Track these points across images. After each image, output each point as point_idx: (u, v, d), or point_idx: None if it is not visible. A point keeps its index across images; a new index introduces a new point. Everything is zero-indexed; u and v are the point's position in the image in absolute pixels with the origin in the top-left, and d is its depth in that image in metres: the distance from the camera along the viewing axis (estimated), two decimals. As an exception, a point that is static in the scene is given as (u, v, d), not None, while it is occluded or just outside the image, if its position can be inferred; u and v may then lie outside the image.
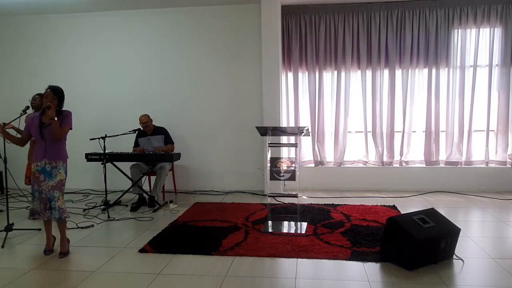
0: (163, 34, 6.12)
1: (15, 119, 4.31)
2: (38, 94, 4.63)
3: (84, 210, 5.09)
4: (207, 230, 4.20)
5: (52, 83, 6.06)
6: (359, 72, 5.98)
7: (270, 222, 4.37)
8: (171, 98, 6.16)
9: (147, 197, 5.32)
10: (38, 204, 3.54)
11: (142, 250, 3.64)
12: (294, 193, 4.41)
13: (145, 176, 5.51)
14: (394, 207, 4.96)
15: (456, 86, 5.81)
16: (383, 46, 5.85)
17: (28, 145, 4.60)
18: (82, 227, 4.35)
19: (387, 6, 5.79)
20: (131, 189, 5.28)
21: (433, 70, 5.83)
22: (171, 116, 6.08)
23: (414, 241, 3.03)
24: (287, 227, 4.25)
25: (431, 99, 5.86)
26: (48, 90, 3.55)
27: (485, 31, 5.72)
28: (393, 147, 6.02)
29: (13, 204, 5.30)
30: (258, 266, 3.27)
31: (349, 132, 6.09)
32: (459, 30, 5.76)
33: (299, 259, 3.39)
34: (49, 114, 3.44)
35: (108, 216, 4.76)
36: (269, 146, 4.49)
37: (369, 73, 5.94)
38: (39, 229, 4.29)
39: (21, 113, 4.35)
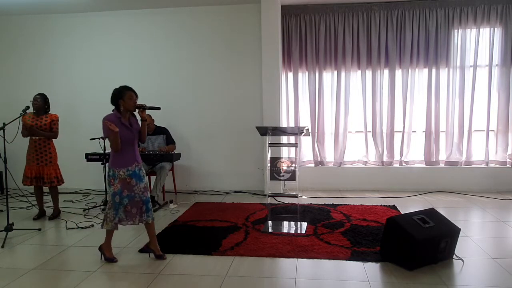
0: (163, 34, 6.11)
1: (14, 119, 4.31)
2: (39, 94, 4.62)
3: (84, 210, 5.08)
4: (207, 230, 4.20)
5: (52, 83, 6.20)
6: (359, 72, 5.97)
7: (270, 222, 4.37)
8: (171, 98, 6.14)
9: (147, 197, 5.32)
10: (124, 211, 3.32)
11: (142, 250, 3.64)
12: (294, 193, 4.41)
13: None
14: (394, 207, 4.96)
15: (456, 86, 5.80)
16: (383, 46, 5.84)
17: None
18: (82, 227, 4.35)
19: (387, 6, 5.79)
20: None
21: (433, 70, 5.82)
22: (171, 116, 6.07)
23: (414, 241, 3.02)
24: (287, 227, 4.25)
25: (431, 99, 5.86)
26: (130, 91, 3.34)
27: (485, 31, 5.72)
28: (393, 147, 6.02)
29: (13, 204, 5.30)
30: (258, 266, 3.27)
31: (349, 132, 6.09)
32: (459, 30, 5.76)
33: (299, 259, 3.39)
34: (143, 114, 3.34)
35: (108, 216, 4.76)
36: (269, 146, 4.49)
37: (369, 73, 5.93)
38: (39, 229, 4.29)
39: (21, 113, 4.36)
